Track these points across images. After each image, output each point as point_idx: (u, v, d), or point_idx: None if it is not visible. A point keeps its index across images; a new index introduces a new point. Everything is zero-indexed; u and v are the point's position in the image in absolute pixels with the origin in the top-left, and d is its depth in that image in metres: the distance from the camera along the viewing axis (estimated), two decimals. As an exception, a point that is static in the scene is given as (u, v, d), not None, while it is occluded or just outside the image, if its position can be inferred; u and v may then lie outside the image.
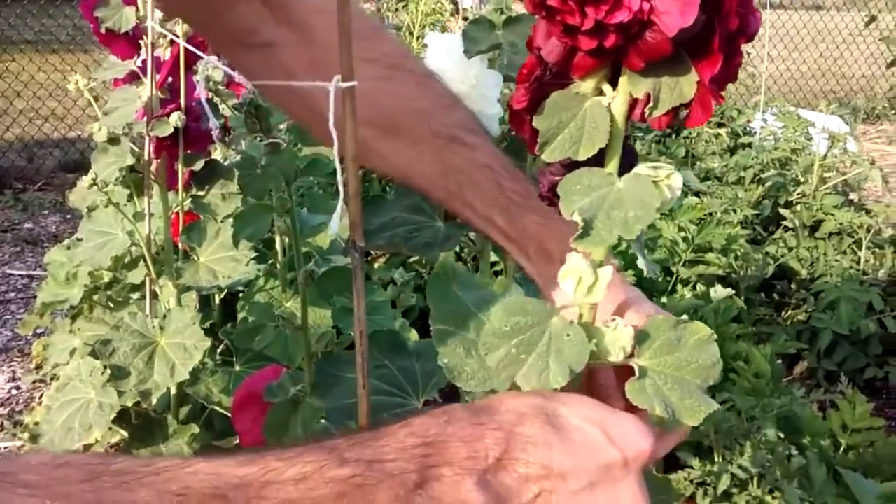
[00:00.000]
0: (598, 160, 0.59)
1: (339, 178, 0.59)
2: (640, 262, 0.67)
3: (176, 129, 1.34)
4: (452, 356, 0.62)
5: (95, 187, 1.31)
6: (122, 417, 1.58)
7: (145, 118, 1.37)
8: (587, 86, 0.58)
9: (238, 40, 0.78)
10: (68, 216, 4.13)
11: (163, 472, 0.49)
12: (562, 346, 0.58)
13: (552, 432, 0.56)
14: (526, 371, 0.59)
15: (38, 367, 2.56)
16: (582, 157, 0.58)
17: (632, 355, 0.62)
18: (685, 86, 0.55)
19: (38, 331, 2.58)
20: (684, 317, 0.64)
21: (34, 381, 2.68)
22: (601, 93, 0.58)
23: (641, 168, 0.59)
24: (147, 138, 1.38)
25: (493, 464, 0.55)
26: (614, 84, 0.57)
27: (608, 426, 0.57)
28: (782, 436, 1.71)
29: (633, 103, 0.57)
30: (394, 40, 0.83)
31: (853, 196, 3.45)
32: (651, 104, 0.55)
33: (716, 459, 1.71)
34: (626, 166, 0.60)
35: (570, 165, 0.60)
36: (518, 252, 0.79)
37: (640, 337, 0.62)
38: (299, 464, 0.51)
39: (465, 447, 0.55)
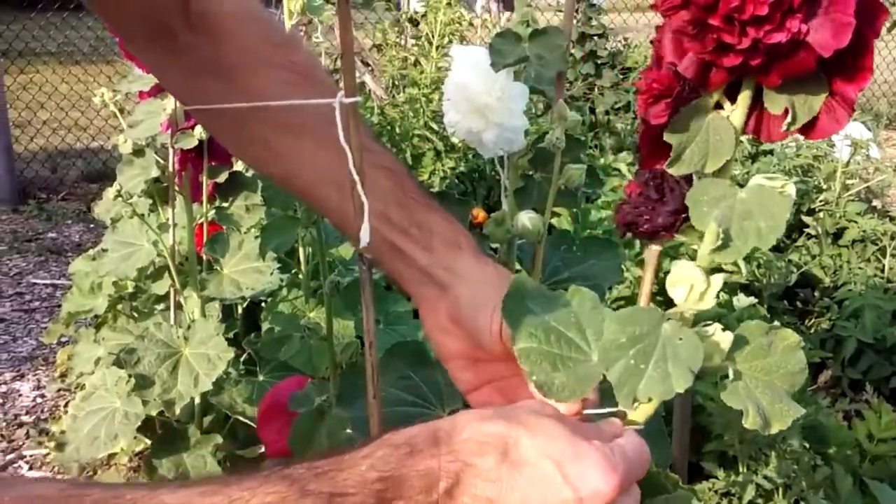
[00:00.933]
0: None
1: (360, 189, 0.60)
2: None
3: (200, 141, 1.36)
4: (540, 372, 0.63)
5: (120, 199, 1.32)
6: (146, 426, 1.59)
7: (170, 130, 1.39)
8: (710, 100, 0.59)
9: (151, 38, 0.77)
10: (92, 226, 4.16)
11: None
12: (677, 351, 0.59)
13: (506, 468, 0.57)
14: (646, 381, 0.59)
15: (63, 376, 2.58)
16: (709, 169, 0.60)
17: (726, 361, 0.63)
18: (815, 101, 0.56)
19: (63, 339, 2.60)
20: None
21: (59, 390, 2.70)
22: (720, 106, 0.60)
23: (759, 178, 0.60)
24: (171, 150, 1.39)
25: (444, 495, 0.56)
26: (732, 98, 0.59)
27: (566, 464, 0.57)
28: (807, 446, 1.69)
29: (750, 116, 0.59)
30: (307, 52, 0.84)
31: (876, 203, 3.42)
32: (790, 120, 0.57)
33: (741, 470, 1.70)
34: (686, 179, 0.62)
35: (651, 186, 0.61)
36: (413, 245, 0.77)
37: (736, 342, 0.63)
38: (261, 494, 0.52)
39: (420, 481, 0.56)
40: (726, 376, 0.62)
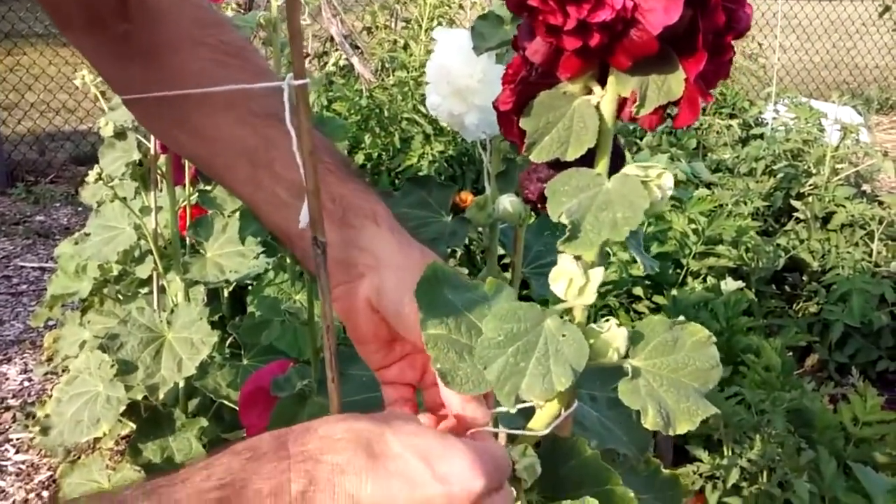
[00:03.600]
0: (587, 161, 0.58)
1: (302, 173, 0.59)
2: (639, 260, 0.67)
3: (183, 123, 1.34)
4: (445, 361, 0.61)
5: (101, 182, 1.31)
6: (131, 410, 1.59)
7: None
8: (575, 86, 0.57)
9: (88, 25, 0.77)
10: (80, 209, 4.14)
11: None
12: (560, 347, 0.58)
13: (366, 460, 0.53)
14: (528, 380, 0.57)
15: (50, 360, 2.57)
16: (570, 157, 0.57)
17: (626, 356, 0.61)
18: (673, 84, 0.54)
19: (50, 323, 2.59)
20: (682, 319, 0.63)
21: (46, 374, 2.69)
22: (590, 92, 0.58)
23: (630, 168, 0.58)
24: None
25: (297, 497, 0.52)
26: (603, 83, 0.56)
27: (435, 459, 0.54)
28: (792, 429, 1.70)
29: (623, 103, 0.57)
30: (236, 33, 0.83)
31: (866, 188, 3.42)
32: (638, 103, 0.55)
33: (725, 453, 1.70)
34: (615, 168, 0.60)
35: (558, 168, 0.59)
36: (327, 218, 0.71)
37: (635, 337, 0.61)
38: None
39: (267, 483, 0.52)
40: (626, 373, 0.60)
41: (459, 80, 0.91)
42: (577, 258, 0.58)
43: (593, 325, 0.61)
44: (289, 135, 0.68)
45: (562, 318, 0.59)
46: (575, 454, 0.66)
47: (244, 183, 0.79)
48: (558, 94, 0.57)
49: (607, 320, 0.61)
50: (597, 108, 0.57)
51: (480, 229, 1.01)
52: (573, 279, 0.58)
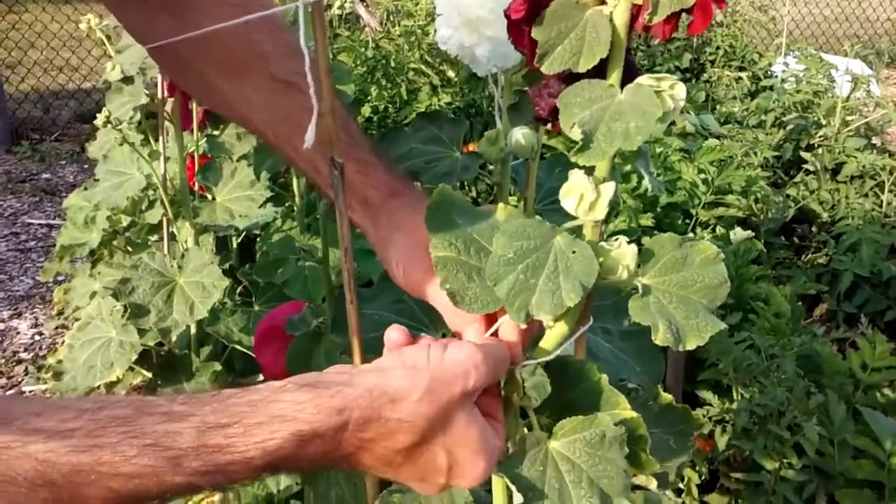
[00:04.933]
0: (599, 74, 0.58)
1: (312, 92, 0.59)
2: (646, 181, 0.66)
3: (190, 66, 1.33)
4: (454, 281, 0.62)
5: (109, 125, 1.30)
6: (144, 358, 1.59)
7: (159, 56, 1.36)
8: None
9: None
10: (86, 166, 4.14)
11: None
12: (569, 264, 0.58)
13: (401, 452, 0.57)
14: (538, 296, 0.58)
15: (61, 313, 2.58)
16: (582, 68, 0.56)
17: (636, 274, 0.61)
18: None
19: (59, 278, 2.60)
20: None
21: (56, 328, 2.71)
22: (603, 2, 0.57)
23: (643, 78, 0.57)
24: (160, 77, 1.36)
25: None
26: None
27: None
28: (802, 374, 1.70)
29: (636, 13, 0.56)
30: None
31: (876, 141, 3.39)
32: (651, 10, 0.54)
33: (735, 398, 1.71)
34: (627, 81, 0.59)
35: (570, 82, 0.58)
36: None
37: (645, 255, 0.62)
38: (133, 465, 0.50)
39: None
40: (637, 291, 0.60)
41: (470, 10, 0.90)
42: (589, 173, 0.58)
43: (603, 244, 0.60)
44: (302, 107, 0.69)
45: (572, 234, 0.59)
46: (584, 378, 0.66)
47: (277, 150, 0.82)
48: (571, 3, 0.57)
49: (616, 239, 0.61)
50: (610, 18, 0.56)
51: (491, 165, 1.01)
52: (584, 194, 0.58)
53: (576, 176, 0.59)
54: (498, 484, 0.62)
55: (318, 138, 0.59)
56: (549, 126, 0.64)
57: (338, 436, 0.54)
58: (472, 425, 0.57)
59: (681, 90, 0.56)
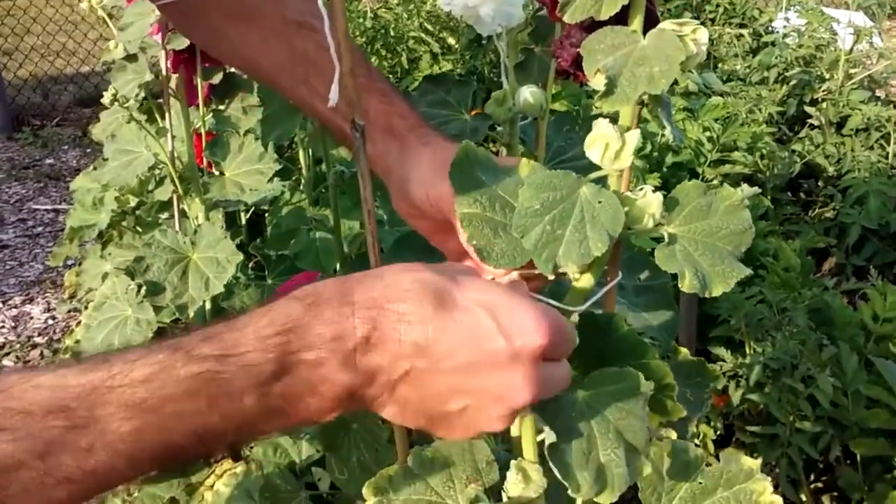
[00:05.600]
0: (621, 21, 0.58)
1: (333, 52, 0.59)
2: (667, 130, 0.67)
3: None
4: (480, 237, 0.62)
5: (117, 104, 1.30)
6: (160, 336, 1.61)
7: (160, 33, 1.35)
8: None
9: None
10: (88, 150, 4.14)
11: (7, 391, 0.49)
12: (596, 214, 0.58)
13: (433, 310, 0.53)
14: (565, 247, 0.58)
15: (73, 297, 2.60)
16: (604, 15, 0.57)
17: (661, 223, 0.62)
18: None
19: (69, 263, 2.61)
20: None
21: (69, 311, 2.73)
22: None
23: (666, 24, 0.57)
24: (164, 52, 1.36)
25: (361, 342, 0.52)
26: None
27: (499, 312, 0.54)
28: (813, 326, 1.71)
29: None
30: None
31: (880, 92, 3.37)
32: None
33: (748, 353, 1.72)
34: (648, 28, 0.59)
35: (591, 31, 0.58)
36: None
37: (669, 204, 0.62)
38: (144, 365, 0.50)
39: (329, 328, 0.52)
40: (663, 239, 0.60)
41: (476, -30, 0.89)
42: (613, 122, 0.58)
43: (629, 193, 0.61)
44: (318, 45, 0.68)
45: (597, 184, 0.59)
46: (612, 329, 0.67)
47: (290, 93, 0.82)
48: None
49: (641, 188, 0.61)
50: (629, -36, 0.56)
51: (500, 127, 1.01)
52: (609, 143, 0.58)
53: (600, 125, 0.59)
54: (527, 428, 0.62)
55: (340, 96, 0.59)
56: (569, 78, 0.64)
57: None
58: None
59: (703, 34, 0.56)
